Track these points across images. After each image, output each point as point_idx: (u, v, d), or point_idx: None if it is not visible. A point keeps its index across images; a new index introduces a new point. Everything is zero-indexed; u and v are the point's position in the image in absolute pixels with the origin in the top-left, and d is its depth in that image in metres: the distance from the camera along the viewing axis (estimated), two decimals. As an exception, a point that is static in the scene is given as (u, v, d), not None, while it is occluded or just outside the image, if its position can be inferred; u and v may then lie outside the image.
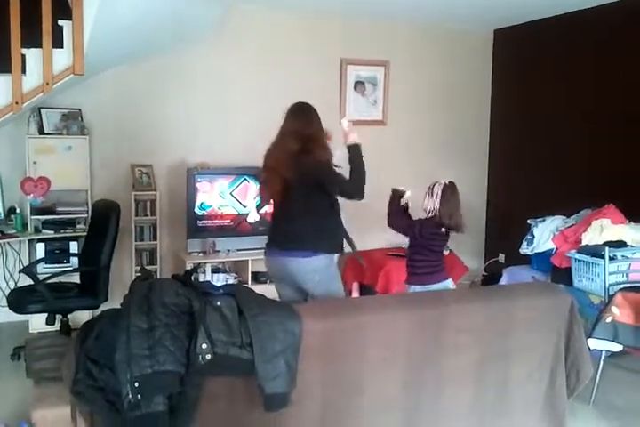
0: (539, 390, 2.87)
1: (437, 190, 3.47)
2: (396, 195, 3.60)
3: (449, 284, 3.55)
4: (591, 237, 4.29)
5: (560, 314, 2.86)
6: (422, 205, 3.53)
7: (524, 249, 4.89)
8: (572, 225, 4.59)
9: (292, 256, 3.29)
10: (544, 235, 4.74)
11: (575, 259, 4.27)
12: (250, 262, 5.18)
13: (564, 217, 4.78)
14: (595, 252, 4.12)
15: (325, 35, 5.65)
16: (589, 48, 5.18)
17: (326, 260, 3.37)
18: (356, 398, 2.52)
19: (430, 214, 3.50)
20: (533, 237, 4.81)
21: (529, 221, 4.95)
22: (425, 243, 3.50)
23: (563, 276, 4.37)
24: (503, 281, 5.01)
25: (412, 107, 6.07)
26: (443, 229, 3.47)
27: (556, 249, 4.56)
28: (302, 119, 3.41)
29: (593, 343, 3.47)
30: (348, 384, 2.51)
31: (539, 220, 4.88)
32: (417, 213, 3.60)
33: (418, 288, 3.48)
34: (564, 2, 5.00)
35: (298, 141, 3.33)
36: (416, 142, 6.12)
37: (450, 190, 3.50)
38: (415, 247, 3.56)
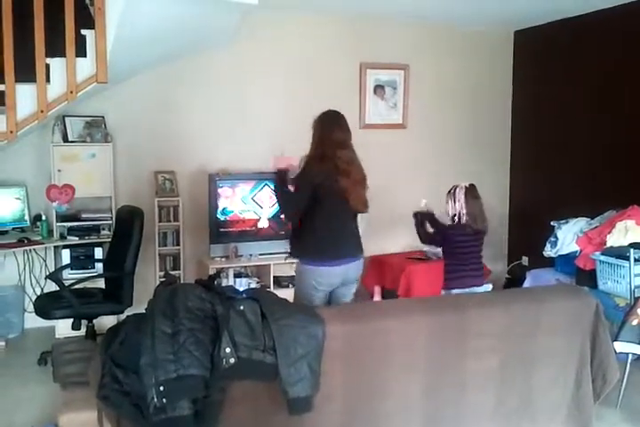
0: (564, 395, 2.84)
1: (459, 194, 3.47)
2: (419, 217, 3.64)
3: (488, 288, 3.57)
4: (616, 238, 4.24)
5: (585, 317, 2.83)
6: (446, 210, 3.54)
7: (548, 252, 4.84)
8: (596, 227, 4.54)
9: (359, 259, 3.52)
10: (568, 237, 4.70)
11: (600, 261, 4.22)
12: (272, 267, 5.20)
13: (588, 219, 4.73)
14: (619, 253, 4.07)
15: (344, 39, 5.66)
16: (611, 48, 5.13)
17: None
18: (378, 403, 2.52)
19: (456, 219, 3.51)
20: (557, 239, 4.77)
21: (552, 224, 4.90)
22: (452, 248, 3.53)
23: (587, 278, 4.33)
24: (527, 284, 4.97)
25: (432, 110, 6.05)
26: (469, 231, 3.48)
27: (580, 251, 4.52)
28: (348, 128, 3.49)
29: (619, 346, 3.42)
30: (371, 388, 2.51)
31: (562, 222, 4.83)
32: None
33: (458, 292, 3.50)
34: (584, 3, 4.96)
35: (354, 152, 3.46)
36: (436, 145, 6.10)
37: (471, 193, 3.50)
38: (446, 253, 3.60)
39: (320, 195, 3.33)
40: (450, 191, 3.59)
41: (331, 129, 3.42)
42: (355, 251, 3.50)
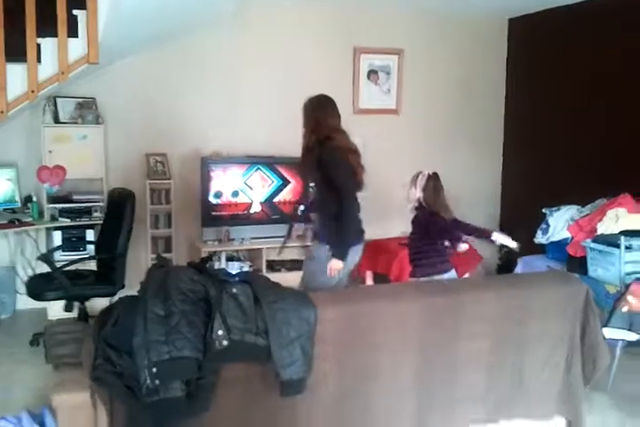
0: (555, 378, 2.87)
1: (421, 181, 3.51)
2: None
3: (452, 275, 3.59)
4: (606, 226, 4.26)
5: (575, 303, 2.85)
6: (408, 196, 3.56)
7: (539, 238, 4.86)
8: (588, 214, 4.57)
9: None
10: (559, 224, 4.72)
11: (590, 248, 4.25)
12: (264, 251, 5.21)
13: (579, 206, 4.75)
14: (610, 241, 4.10)
15: (339, 23, 5.62)
16: (606, 37, 5.11)
17: None
18: (370, 385, 2.54)
19: (415, 204, 3.54)
20: (548, 226, 4.79)
21: (544, 211, 4.92)
22: (425, 231, 3.56)
23: (578, 265, 4.35)
24: (518, 270, 4.99)
25: (426, 96, 6.04)
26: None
27: (572, 238, 4.54)
28: (338, 113, 3.56)
29: (609, 333, 3.46)
30: (363, 371, 2.52)
31: (554, 209, 4.85)
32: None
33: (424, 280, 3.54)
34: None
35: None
36: (429, 131, 6.09)
37: (433, 181, 3.53)
38: (419, 239, 3.61)
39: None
40: (412, 178, 3.60)
41: (324, 113, 3.48)
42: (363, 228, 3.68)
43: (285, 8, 5.41)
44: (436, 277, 3.51)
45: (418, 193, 3.54)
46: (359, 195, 3.56)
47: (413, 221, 3.64)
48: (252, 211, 5.29)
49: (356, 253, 3.59)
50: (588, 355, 2.87)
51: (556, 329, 2.83)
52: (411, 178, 3.60)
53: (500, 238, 3.57)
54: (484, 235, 3.63)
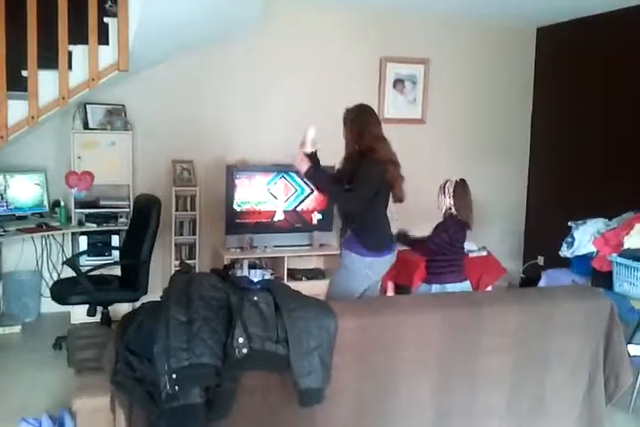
0: (576, 396, 2.82)
1: (449, 188, 3.55)
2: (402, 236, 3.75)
3: (466, 286, 3.59)
4: (634, 240, 4.20)
5: (600, 319, 2.80)
6: (438, 204, 3.59)
7: (564, 252, 4.80)
8: (614, 228, 4.50)
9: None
10: (585, 238, 4.65)
11: (616, 263, 4.19)
12: (286, 259, 5.22)
13: (606, 220, 4.68)
14: (637, 255, 4.03)
15: (365, 32, 5.64)
16: (635, 47, 5.06)
17: None
18: (389, 397, 2.52)
19: (449, 211, 3.57)
20: (574, 239, 4.72)
21: (569, 224, 4.86)
22: (454, 242, 3.58)
23: (603, 280, 4.28)
24: (542, 284, 4.93)
25: (452, 105, 6.02)
26: (459, 224, 3.60)
27: (597, 252, 4.48)
28: (380, 122, 3.59)
29: (633, 349, 3.40)
30: (381, 383, 2.51)
31: (579, 222, 4.79)
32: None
33: (438, 287, 3.57)
34: (608, 0, 4.90)
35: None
36: (455, 141, 6.07)
37: (461, 187, 3.55)
38: (439, 249, 3.62)
39: (383, 188, 3.45)
40: (441, 186, 3.64)
41: (367, 122, 3.50)
42: (394, 240, 3.64)
43: (311, 16, 5.45)
44: (448, 287, 3.53)
45: (447, 200, 3.56)
46: (396, 206, 3.58)
47: (437, 226, 3.66)
48: (275, 219, 5.31)
49: (382, 266, 3.55)
50: (611, 372, 2.82)
51: (578, 345, 2.79)
52: (440, 186, 3.61)
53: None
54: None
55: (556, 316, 2.75)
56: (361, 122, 3.49)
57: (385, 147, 3.47)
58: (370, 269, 3.47)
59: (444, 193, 3.60)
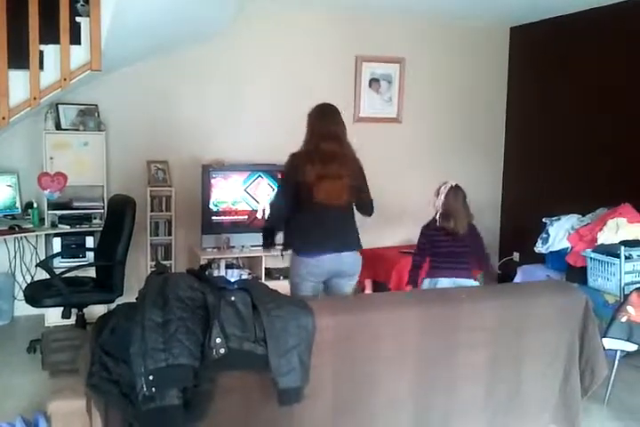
0: (552, 389, 2.86)
1: (443, 191, 3.60)
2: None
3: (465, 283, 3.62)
4: (607, 236, 4.26)
5: (575, 313, 2.84)
6: (434, 205, 3.64)
7: (539, 248, 4.86)
8: (588, 224, 4.57)
9: (349, 252, 3.49)
10: (559, 234, 4.72)
11: (590, 258, 4.25)
12: (263, 258, 5.20)
13: (580, 216, 4.75)
14: (610, 251, 4.10)
15: (340, 32, 5.64)
16: (608, 46, 5.13)
17: None
18: (368, 394, 2.53)
19: (439, 214, 3.65)
20: (548, 235, 4.79)
21: (544, 220, 4.92)
22: (434, 243, 3.63)
23: (578, 275, 4.35)
24: (517, 280, 5.00)
25: (428, 104, 6.05)
26: (441, 231, 3.64)
27: (572, 248, 4.54)
28: (339, 121, 3.46)
29: (608, 343, 3.44)
30: (360, 380, 2.52)
31: (554, 218, 4.85)
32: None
33: (434, 281, 3.64)
34: (581, 0, 4.96)
35: (340, 145, 3.40)
36: (431, 140, 6.10)
37: (453, 193, 3.60)
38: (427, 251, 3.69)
39: (299, 189, 3.37)
40: (438, 187, 3.69)
41: (319, 122, 3.43)
42: (342, 244, 3.47)
43: (286, 16, 5.43)
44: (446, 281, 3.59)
45: (438, 202, 3.64)
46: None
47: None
48: (251, 218, 5.29)
49: (316, 266, 3.43)
50: (586, 365, 2.86)
51: (554, 339, 2.82)
52: (437, 187, 3.71)
53: None
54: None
55: (532, 311, 2.79)
56: (310, 121, 3.46)
57: (325, 146, 3.36)
58: (305, 269, 3.44)
59: (438, 195, 3.66)
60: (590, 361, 2.86)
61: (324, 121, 3.43)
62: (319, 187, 3.34)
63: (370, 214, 3.62)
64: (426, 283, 3.70)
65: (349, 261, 3.50)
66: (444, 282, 3.62)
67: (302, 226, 3.47)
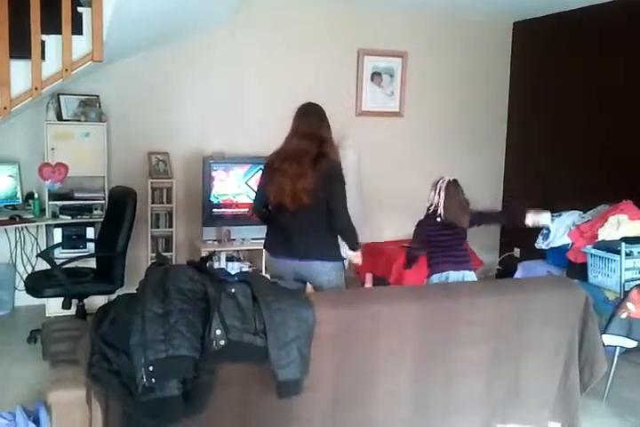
0: (551, 385, 2.86)
1: (441, 186, 3.56)
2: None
3: (469, 276, 3.60)
4: (607, 232, 4.26)
5: (575, 309, 2.84)
6: (428, 199, 3.60)
7: (540, 244, 4.86)
8: (589, 220, 4.56)
9: (308, 262, 3.33)
10: (560, 230, 4.71)
11: (591, 254, 4.24)
12: (264, 251, 5.19)
13: (581, 212, 4.74)
14: (611, 247, 4.09)
15: (343, 25, 5.62)
16: (611, 43, 5.11)
17: (339, 265, 3.44)
18: (367, 388, 2.53)
19: (432, 209, 3.59)
20: (549, 231, 4.78)
21: (545, 216, 4.91)
22: (431, 238, 3.60)
23: (578, 271, 4.35)
24: (518, 275, 4.99)
25: (430, 98, 6.04)
26: (438, 220, 3.57)
27: (572, 244, 4.54)
28: (316, 120, 3.36)
29: (607, 339, 3.45)
30: (359, 373, 2.52)
31: (555, 214, 4.83)
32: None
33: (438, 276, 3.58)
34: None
35: (315, 144, 3.27)
36: (433, 135, 6.09)
37: (452, 187, 3.57)
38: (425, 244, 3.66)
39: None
40: (434, 182, 3.66)
41: (300, 120, 3.37)
42: (301, 251, 3.31)
43: (289, 9, 5.42)
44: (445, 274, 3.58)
45: (435, 197, 3.59)
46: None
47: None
48: (252, 211, 5.28)
49: (279, 266, 3.44)
50: (586, 362, 2.86)
51: (554, 335, 2.82)
52: (433, 182, 3.65)
53: (537, 220, 3.65)
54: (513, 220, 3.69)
55: (532, 306, 2.78)
56: (293, 120, 3.39)
57: (298, 144, 3.29)
58: (276, 267, 3.50)
59: (435, 190, 3.61)
60: (590, 357, 2.86)
61: (305, 120, 3.35)
62: (271, 185, 3.32)
63: (344, 236, 3.39)
64: (435, 278, 3.64)
65: (308, 269, 3.35)
66: (453, 275, 3.60)
67: (269, 225, 3.56)
